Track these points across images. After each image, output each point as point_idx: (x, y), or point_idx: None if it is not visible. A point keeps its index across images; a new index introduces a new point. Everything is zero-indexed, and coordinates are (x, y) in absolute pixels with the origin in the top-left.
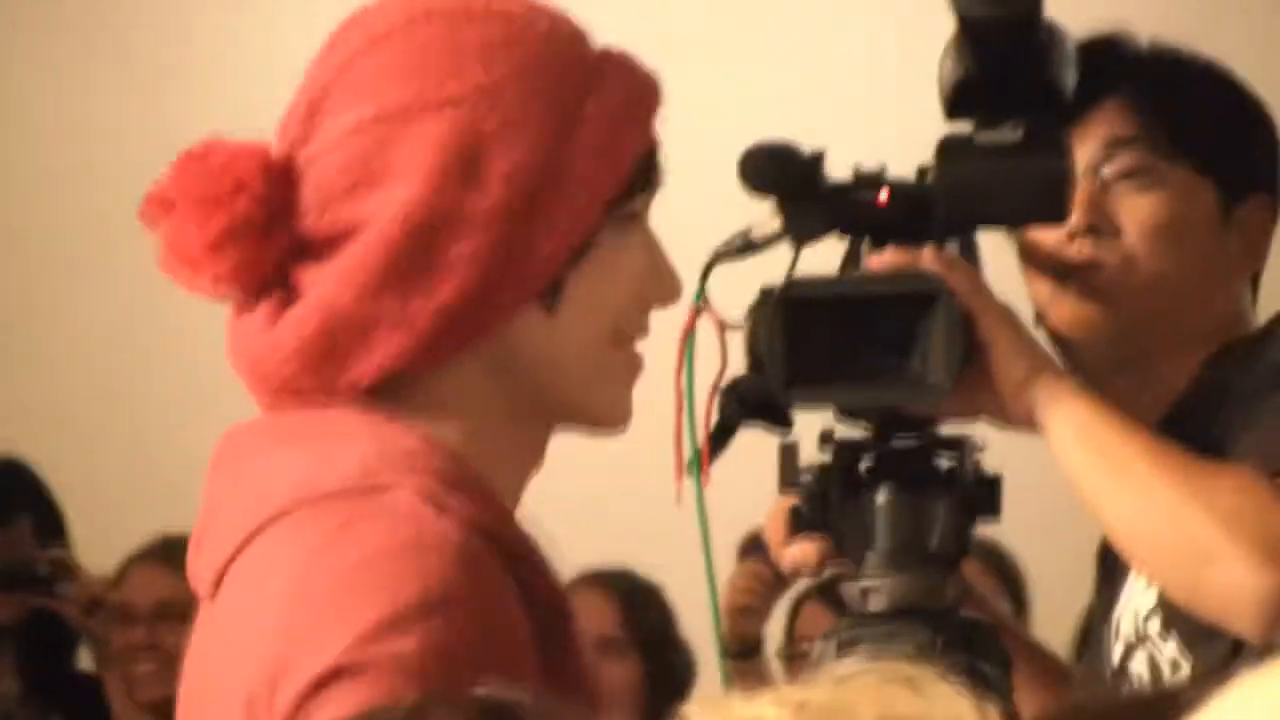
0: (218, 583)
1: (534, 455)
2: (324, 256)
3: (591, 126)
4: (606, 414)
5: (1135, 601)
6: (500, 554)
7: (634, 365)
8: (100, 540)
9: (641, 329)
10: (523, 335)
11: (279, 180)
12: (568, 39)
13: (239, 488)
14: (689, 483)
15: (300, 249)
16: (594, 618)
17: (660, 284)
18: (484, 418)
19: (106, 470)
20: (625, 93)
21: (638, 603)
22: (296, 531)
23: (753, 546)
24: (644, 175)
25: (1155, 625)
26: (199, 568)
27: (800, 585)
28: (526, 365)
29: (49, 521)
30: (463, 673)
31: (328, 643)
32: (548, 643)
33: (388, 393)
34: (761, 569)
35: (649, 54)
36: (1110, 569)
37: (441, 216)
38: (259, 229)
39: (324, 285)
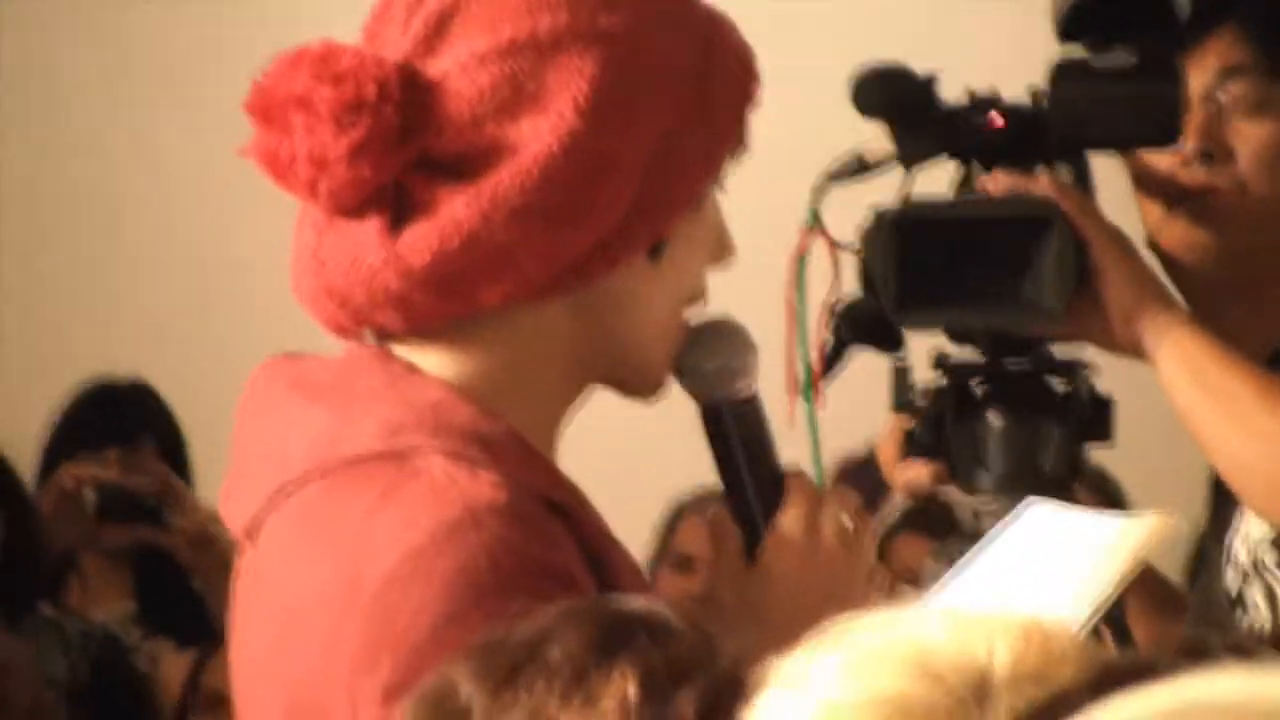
0: (251, 533)
1: (569, 407)
2: (463, 176)
3: (720, 80)
4: (654, 379)
5: (1248, 528)
6: (539, 502)
7: (681, 338)
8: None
9: (704, 293)
10: (625, 281)
11: (414, 90)
12: None
13: (263, 439)
14: (801, 403)
15: (427, 165)
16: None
17: (726, 242)
18: (546, 359)
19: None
20: (738, 52)
21: None
22: (331, 499)
23: (843, 474)
24: (742, 139)
25: (1272, 556)
26: (232, 513)
27: (888, 514)
28: (621, 314)
29: (172, 446)
30: None
31: (410, 637)
32: (600, 584)
33: (473, 328)
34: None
35: None
36: (1222, 494)
37: (599, 151)
38: (395, 138)
39: (466, 205)
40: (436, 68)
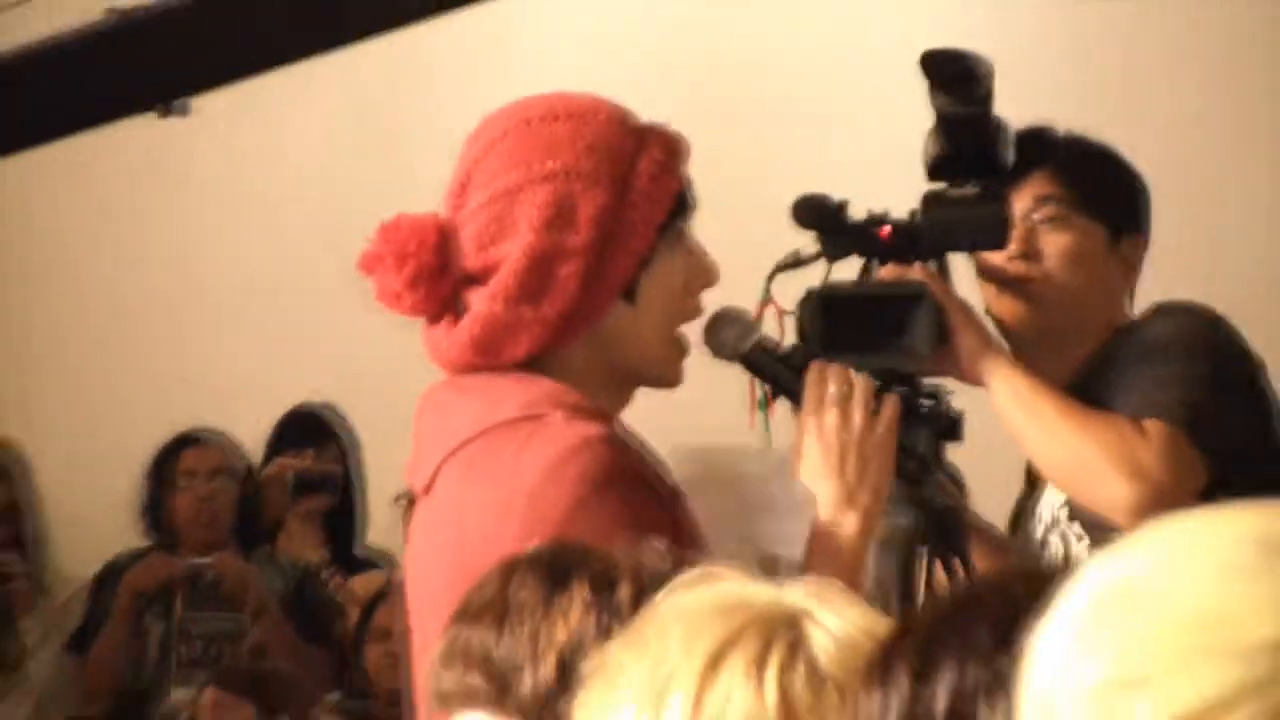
0: (429, 487)
1: (622, 405)
2: (481, 284)
3: (643, 178)
4: (668, 377)
5: (1050, 498)
6: (633, 451)
7: (686, 345)
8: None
9: (696, 311)
10: (615, 323)
11: (447, 237)
12: (620, 120)
13: (434, 426)
14: (759, 415)
15: (466, 280)
16: None
17: (704, 273)
18: (589, 382)
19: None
20: (662, 150)
21: None
22: (489, 448)
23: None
24: (682, 204)
25: (1064, 514)
26: (414, 477)
27: None
28: (617, 343)
29: (351, 449)
30: (645, 518)
31: (552, 521)
32: (676, 525)
33: (529, 365)
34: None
35: (721, 135)
36: (1033, 475)
37: (552, 251)
38: (437, 271)
39: (483, 302)
40: (461, 217)
